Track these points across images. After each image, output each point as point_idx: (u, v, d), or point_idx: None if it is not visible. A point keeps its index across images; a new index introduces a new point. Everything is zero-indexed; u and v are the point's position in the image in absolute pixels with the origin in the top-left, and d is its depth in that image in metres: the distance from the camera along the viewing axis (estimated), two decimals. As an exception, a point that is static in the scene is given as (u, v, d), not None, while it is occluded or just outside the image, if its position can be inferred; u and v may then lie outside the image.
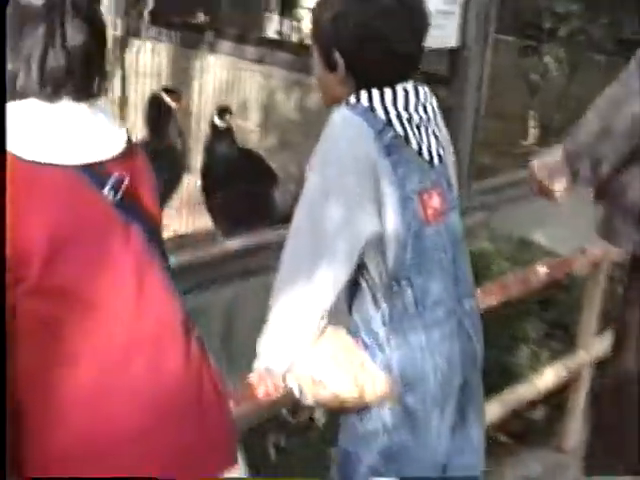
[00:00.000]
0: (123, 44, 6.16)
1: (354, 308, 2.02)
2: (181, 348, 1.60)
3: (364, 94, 1.93)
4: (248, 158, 4.73)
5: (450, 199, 2.05)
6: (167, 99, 4.55)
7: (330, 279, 1.90)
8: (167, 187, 4.30)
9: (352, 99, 1.94)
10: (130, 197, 1.59)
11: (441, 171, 2.03)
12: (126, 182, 1.57)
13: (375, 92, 1.93)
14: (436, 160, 2.01)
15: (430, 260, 1.98)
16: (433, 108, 2.04)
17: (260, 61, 5.63)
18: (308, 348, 1.93)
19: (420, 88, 2.00)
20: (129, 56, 6.12)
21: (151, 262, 1.60)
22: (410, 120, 1.95)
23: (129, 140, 1.65)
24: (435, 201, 1.98)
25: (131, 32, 6.21)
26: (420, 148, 1.97)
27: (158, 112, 4.50)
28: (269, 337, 1.94)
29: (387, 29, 1.92)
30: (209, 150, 4.65)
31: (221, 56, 5.80)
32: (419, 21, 2.00)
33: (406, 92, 1.96)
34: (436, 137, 2.02)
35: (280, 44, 6.64)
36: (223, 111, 4.58)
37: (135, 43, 6.12)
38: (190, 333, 1.64)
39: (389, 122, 1.92)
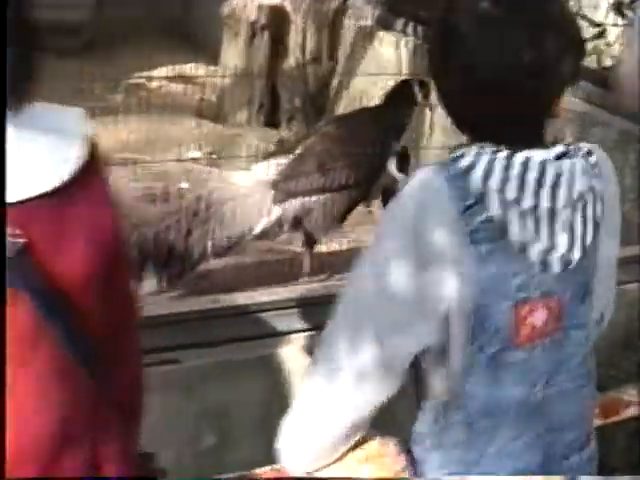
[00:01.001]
0: (369, 35, 5.92)
1: (419, 415, 1.57)
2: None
3: (473, 149, 1.42)
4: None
5: (576, 315, 1.50)
6: (416, 89, 4.13)
7: (361, 398, 1.46)
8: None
9: (456, 153, 1.44)
10: (31, 257, 1.18)
11: (568, 277, 1.46)
12: (20, 242, 1.16)
13: (487, 151, 1.41)
14: (557, 263, 1.44)
15: (508, 396, 1.46)
16: (584, 190, 1.45)
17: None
18: (337, 456, 1.53)
19: (561, 162, 1.43)
20: (372, 48, 5.87)
21: (34, 349, 1.22)
22: (518, 201, 1.40)
23: (88, 165, 1.23)
24: (539, 316, 1.44)
25: (379, 22, 5.95)
26: (524, 244, 1.41)
27: (400, 99, 4.12)
28: (288, 435, 1.54)
29: (489, 49, 1.37)
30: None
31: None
32: (554, 46, 1.38)
33: (526, 162, 1.41)
34: (572, 231, 1.44)
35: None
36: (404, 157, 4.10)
37: (379, 35, 5.85)
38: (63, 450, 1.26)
39: (484, 199, 1.39)
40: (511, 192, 1.39)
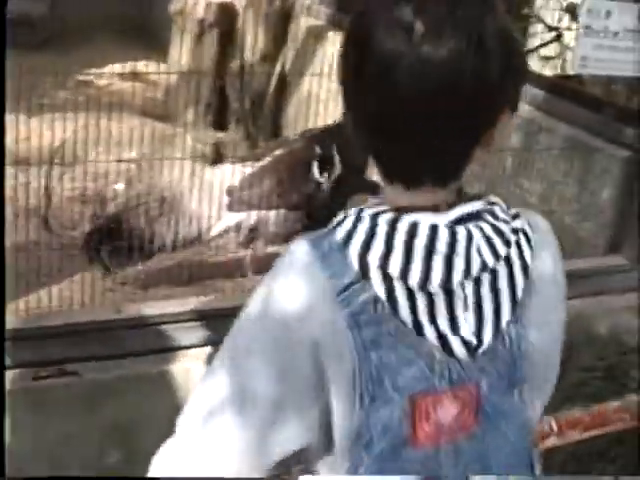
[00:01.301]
0: (320, 34, 5.78)
1: None
2: None
3: (352, 214, 1.21)
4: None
5: (501, 406, 1.25)
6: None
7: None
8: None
9: (336, 219, 1.22)
10: None
11: (482, 363, 1.22)
12: None
13: (368, 215, 1.20)
14: (461, 347, 1.20)
15: None
16: (491, 261, 1.21)
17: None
18: None
19: (459, 228, 1.19)
20: (321, 48, 5.74)
21: None
22: (405, 277, 1.17)
23: None
24: (447, 411, 1.20)
25: (334, 23, 5.82)
26: (419, 326, 1.18)
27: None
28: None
29: (404, 59, 1.14)
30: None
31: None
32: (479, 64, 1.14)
33: (413, 229, 1.18)
34: (480, 309, 1.21)
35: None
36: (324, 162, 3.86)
37: (329, 35, 5.71)
38: None
39: (365, 275, 1.18)
40: (395, 266, 1.17)
